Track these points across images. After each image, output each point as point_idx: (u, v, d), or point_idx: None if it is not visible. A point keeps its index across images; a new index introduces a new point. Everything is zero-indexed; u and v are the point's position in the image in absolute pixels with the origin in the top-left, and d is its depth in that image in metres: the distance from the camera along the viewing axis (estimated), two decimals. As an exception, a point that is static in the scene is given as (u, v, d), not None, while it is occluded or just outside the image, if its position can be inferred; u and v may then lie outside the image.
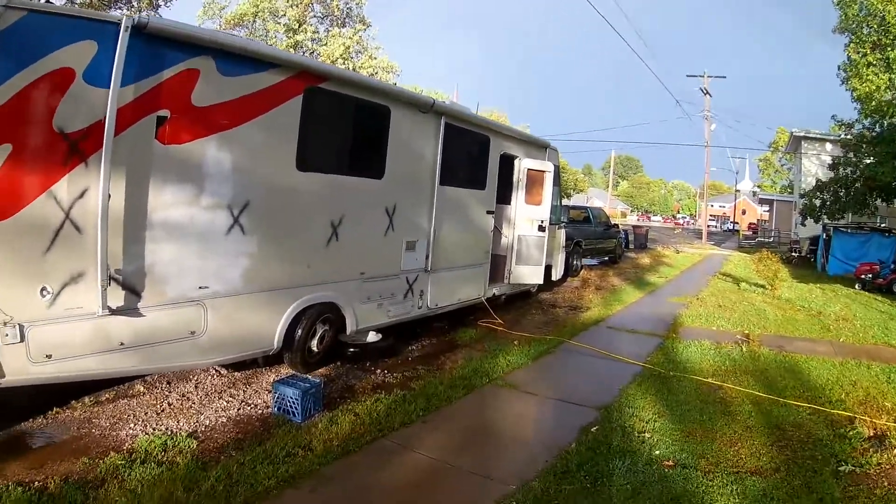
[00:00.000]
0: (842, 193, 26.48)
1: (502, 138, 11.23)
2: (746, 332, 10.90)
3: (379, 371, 7.72)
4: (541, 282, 12.45)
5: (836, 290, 18.32)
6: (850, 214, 27.92)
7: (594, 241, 21.16)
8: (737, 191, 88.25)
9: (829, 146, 38.38)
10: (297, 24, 33.38)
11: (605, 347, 9.13)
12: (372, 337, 8.26)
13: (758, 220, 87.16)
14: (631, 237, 33.04)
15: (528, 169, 11.87)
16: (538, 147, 12.86)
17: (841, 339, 10.78)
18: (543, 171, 12.06)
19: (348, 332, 7.78)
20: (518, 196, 11.88)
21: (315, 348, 7.40)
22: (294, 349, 7.08)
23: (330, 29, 34.52)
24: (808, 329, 11.59)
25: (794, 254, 29.43)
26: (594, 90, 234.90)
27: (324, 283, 7.29)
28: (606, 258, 23.01)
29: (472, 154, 10.45)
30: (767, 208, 75.66)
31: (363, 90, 7.69)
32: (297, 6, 33.34)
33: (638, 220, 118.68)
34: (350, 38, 33.47)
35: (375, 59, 34.82)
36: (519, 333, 9.97)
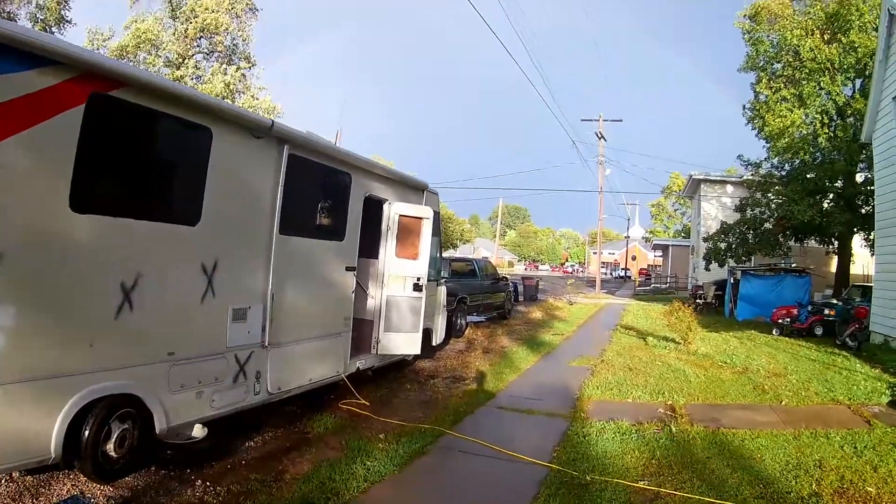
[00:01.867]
0: (750, 235, 26.97)
1: (368, 177, 9.92)
2: (669, 402, 9.92)
3: (200, 482, 6.07)
4: (417, 352, 10.99)
5: (753, 337, 18.33)
6: (760, 256, 28.62)
7: (481, 297, 20.17)
8: (627, 237, 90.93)
9: (729, 188, 39.91)
10: (181, 59, 32.88)
11: (496, 440, 7.66)
12: (198, 431, 6.66)
13: (648, 265, 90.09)
14: (521, 289, 32.37)
15: (401, 215, 10.58)
16: (414, 189, 11.62)
17: (783, 403, 10.08)
18: (420, 218, 10.80)
19: (157, 430, 6.09)
20: (388, 248, 10.52)
21: (114, 453, 5.74)
22: (83, 456, 5.51)
23: (213, 65, 34.32)
24: (740, 392, 10.85)
25: (698, 300, 29.61)
26: (485, 138, 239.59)
27: (115, 369, 5.66)
28: (495, 314, 22.02)
29: (326, 195, 9.08)
30: (661, 254, 78.18)
31: (174, 103, 6.16)
32: (182, 40, 33.04)
33: (526, 269, 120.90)
34: (232, 75, 33.24)
35: (258, 99, 34.57)
36: (387, 420, 8.46)
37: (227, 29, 33.82)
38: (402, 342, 10.58)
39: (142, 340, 5.93)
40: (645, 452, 7.32)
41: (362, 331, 10.43)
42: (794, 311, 20.84)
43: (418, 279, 10.58)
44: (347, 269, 9.36)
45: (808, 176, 26.14)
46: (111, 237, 5.60)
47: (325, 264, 8.87)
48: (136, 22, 32.02)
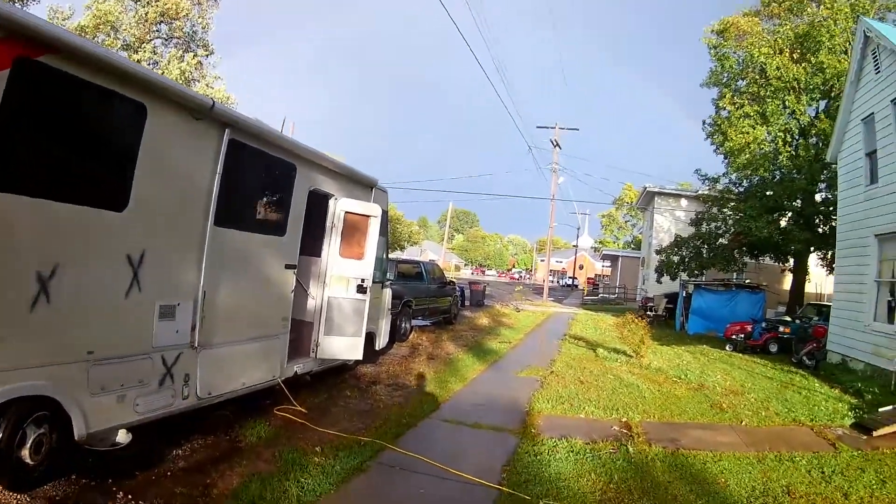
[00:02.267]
0: (704, 249, 27.20)
1: (314, 169, 9.51)
2: (624, 418, 9.70)
3: (122, 493, 5.59)
4: (359, 357, 10.54)
5: (707, 353, 18.44)
6: (714, 271, 29.23)
7: (427, 301, 19.86)
8: (576, 246, 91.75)
9: (683, 202, 40.47)
10: (139, 43, 32.41)
11: (441, 457, 7.25)
12: (122, 437, 6.16)
13: (596, 275, 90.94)
14: (468, 294, 32.14)
15: (347, 212, 10.21)
16: (362, 186, 11.26)
17: (743, 423, 9.96)
18: (367, 216, 10.44)
19: (76, 436, 5.60)
20: (331, 246, 10.13)
21: (29, 460, 5.27)
22: (-4, 463, 5.01)
23: (170, 51, 33.86)
24: (698, 410, 10.72)
25: (649, 313, 29.79)
26: (438, 140, 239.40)
27: (29, 368, 5.16)
28: (441, 318, 21.72)
29: (268, 186, 8.68)
30: (609, 264, 79.02)
31: (107, 73, 5.64)
32: (142, 23, 32.61)
33: (473, 274, 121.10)
34: (189, 62, 33.01)
35: (212, 88, 34.13)
36: (325, 431, 8.05)
37: (186, 14, 33.47)
38: (344, 346, 10.18)
39: (59, 337, 5.43)
40: (602, 475, 7.03)
41: (301, 333, 10.04)
42: (749, 328, 21.03)
43: (363, 281, 10.20)
44: (287, 266, 8.94)
45: (768, 193, 26.51)
46: (26, 220, 5.09)
47: (263, 261, 8.44)
48: (97, 2, 31.56)
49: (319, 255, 10.21)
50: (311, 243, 10.05)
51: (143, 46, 32.34)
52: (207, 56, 35.07)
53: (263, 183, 8.57)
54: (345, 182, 10.53)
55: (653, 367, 14.88)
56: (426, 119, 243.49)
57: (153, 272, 6.33)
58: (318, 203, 9.84)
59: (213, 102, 7.03)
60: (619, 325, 17.19)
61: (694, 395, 11.97)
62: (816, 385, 13.74)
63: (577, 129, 48.54)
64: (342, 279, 10.11)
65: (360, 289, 10.18)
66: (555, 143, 45.01)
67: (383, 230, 11.79)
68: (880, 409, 10.78)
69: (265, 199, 8.63)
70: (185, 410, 7.12)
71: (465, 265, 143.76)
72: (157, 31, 33.91)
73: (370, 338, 11.86)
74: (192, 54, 33.75)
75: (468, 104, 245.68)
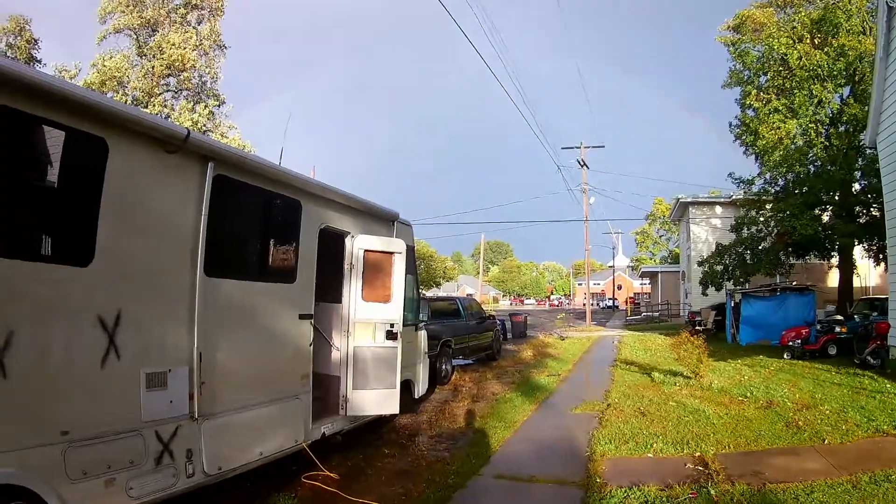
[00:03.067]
0: (747, 255, 26.12)
1: (322, 205, 8.51)
2: (697, 452, 8.43)
3: None
4: (395, 411, 9.42)
5: (765, 364, 17.50)
6: (760, 276, 28.33)
7: (467, 338, 18.76)
8: (612, 266, 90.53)
9: (718, 209, 39.40)
10: (148, 97, 32.30)
11: None
12: (122, 525, 5.13)
13: (635, 294, 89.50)
14: (509, 326, 31.01)
15: (367, 250, 9.19)
16: (381, 220, 10.25)
17: (825, 441, 8.82)
18: (390, 253, 9.41)
19: (55, 531, 4.62)
20: (353, 290, 9.11)
21: None
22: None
23: (180, 103, 33.87)
24: (773, 432, 9.50)
25: (697, 327, 28.54)
26: (466, 174, 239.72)
27: (-9, 453, 4.21)
28: (483, 355, 20.63)
29: (268, 227, 7.72)
30: (648, 281, 77.69)
31: (51, 103, 4.71)
32: (149, 77, 32.50)
33: (511, 304, 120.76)
34: (200, 113, 32.71)
35: (227, 137, 33.72)
36: (359, 501, 6.95)
37: (193, 65, 33.31)
38: (377, 400, 9.09)
39: (23, 417, 4.50)
40: (686, 530, 5.78)
41: (328, 389, 9.04)
42: (804, 332, 20.06)
43: (392, 325, 9.13)
44: (302, 317, 7.91)
45: (806, 189, 25.32)
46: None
47: (270, 313, 7.43)
48: (102, 59, 31.57)
49: (340, 301, 9.19)
50: (330, 288, 9.08)
51: (151, 101, 32.20)
52: (219, 106, 34.92)
53: (262, 223, 7.61)
54: (361, 218, 9.52)
55: (714, 387, 13.67)
56: (453, 155, 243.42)
57: (133, 335, 5.34)
58: (332, 243, 8.87)
59: (189, 132, 6.05)
60: (674, 346, 15.95)
61: (765, 414, 10.81)
62: (888, 386, 12.78)
63: (603, 146, 47.51)
64: (368, 326, 9.05)
65: (390, 335, 9.10)
66: (582, 163, 44.00)
67: (410, 267, 10.80)
68: None
69: (266, 242, 7.66)
70: (193, 489, 6.07)
71: (503, 296, 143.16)
72: (166, 84, 33.80)
73: (407, 386, 10.82)
74: (202, 104, 33.48)
75: (492, 135, 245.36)
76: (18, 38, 32.09)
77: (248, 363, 6.95)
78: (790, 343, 19.82)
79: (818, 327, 20.26)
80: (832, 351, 19.19)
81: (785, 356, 19.23)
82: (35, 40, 32.70)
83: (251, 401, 6.98)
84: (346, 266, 9.11)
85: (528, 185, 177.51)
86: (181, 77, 33.37)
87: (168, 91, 34.03)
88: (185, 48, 32.42)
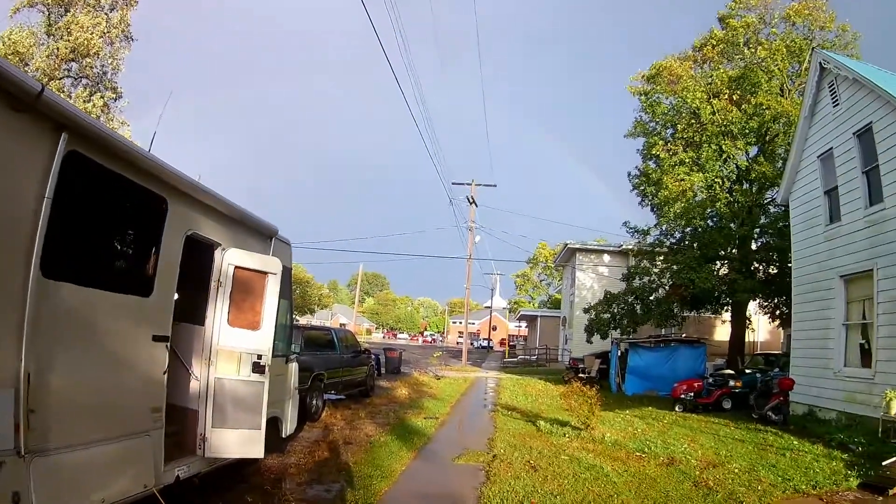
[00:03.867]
0: (637, 305, 26.23)
1: (193, 207, 7.33)
2: (605, 520, 7.66)
3: None
4: (259, 455, 8.16)
5: (657, 416, 17.38)
6: (649, 327, 28.97)
7: (341, 372, 17.64)
8: (489, 307, 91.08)
9: (606, 258, 39.98)
10: (47, 79, 29.13)
11: None
12: None
13: (510, 336, 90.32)
14: (383, 360, 29.91)
15: (238, 267, 8.02)
16: (258, 235, 9.12)
17: None
18: (264, 273, 8.27)
19: None
20: (218, 312, 7.90)
21: None
22: None
23: (77, 89, 31.26)
24: (683, 493, 8.99)
25: (581, 374, 28.38)
26: (348, 201, 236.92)
27: None
28: (356, 391, 19.43)
29: (126, 224, 6.50)
30: (526, 324, 78.36)
31: None
32: (52, 58, 30.07)
33: (384, 337, 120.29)
34: (94, 103, 30.27)
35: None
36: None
37: (97, 53, 31.06)
38: (239, 441, 7.86)
39: None
40: None
41: (184, 424, 7.76)
42: (697, 385, 20.09)
43: (259, 357, 7.99)
44: (157, 338, 6.65)
45: (707, 242, 25.75)
46: None
47: (120, 330, 6.12)
48: (10, 32, 29.22)
49: (203, 323, 7.95)
50: (191, 307, 7.88)
51: (50, 83, 29.43)
52: (115, 99, 32.56)
53: (119, 220, 6.33)
54: (236, 228, 8.36)
55: (607, 440, 13.14)
56: (333, 178, 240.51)
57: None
58: (199, 254, 7.68)
59: (43, 87, 4.83)
60: (565, 395, 15.38)
61: (668, 472, 10.30)
62: (795, 442, 12.82)
63: (495, 186, 47.16)
64: (233, 355, 7.85)
65: (257, 367, 7.94)
66: (471, 201, 43.72)
67: (286, 291, 9.69)
68: (884, 463, 9.93)
69: (122, 243, 6.40)
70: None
71: (377, 328, 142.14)
72: (68, 68, 31.46)
73: (274, 423, 9.58)
74: (99, 95, 31.23)
75: (380, 165, 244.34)
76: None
77: (89, 390, 5.68)
78: (682, 396, 19.73)
79: (711, 381, 20.32)
80: (727, 405, 19.29)
81: (676, 409, 19.15)
82: None
83: (92, 436, 5.67)
84: (212, 283, 7.90)
85: (411, 219, 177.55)
86: (83, 63, 31.12)
87: (69, 77, 31.58)
88: (92, 33, 30.30)
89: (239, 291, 8.01)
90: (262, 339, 8.09)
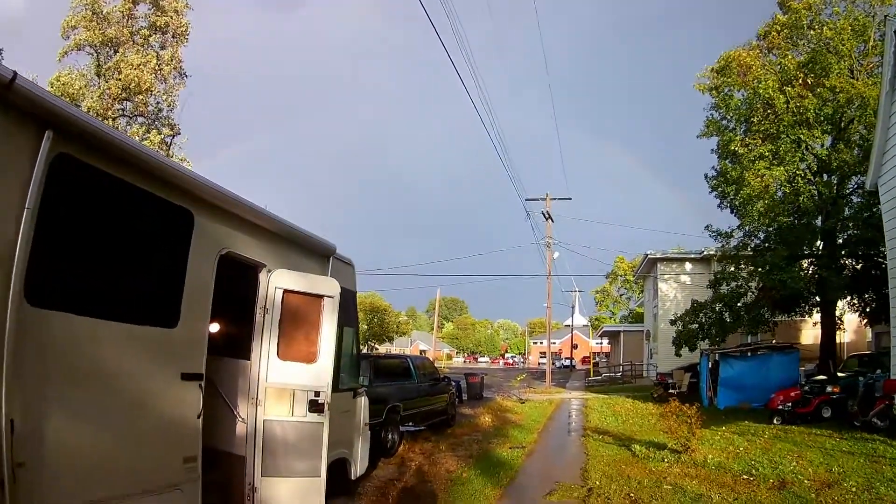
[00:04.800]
0: (726, 313, 25.30)
1: (226, 222, 6.29)
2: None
3: None
4: None
5: (756, 431, 16.09)
6: (738, 335, 27.94)
7: (418, 402, 16.38)
8: (570, 325, 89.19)
9: (688, 266, 38.47)
10: (102, 119, 29.06)
11: None
12: None
13: (592, 353, 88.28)
14: (464, 386, 28.67)
15: (286, 291, 6.97)
16: (311, 253, 8.06)
17: None
18: (320, 297, 7.20)
19: None
20: (264, 344, 6.84)
21: None
22: None
23: (132, 127, 31.37)
24: None
25: (671, 390, 26.72)
26: (423, 225, 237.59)
27: None
28: (437, 420, 18.20)
29: (138, 241, 5.34)
30: (608, 341, 76.50)
31: None
32: (105, 98, 30.17)
33: (465, 361, 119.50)
34: (151, 141, 29.91)
35: None
36: None
37: (149, 89, 31.07)
38: (295, 492, 6.76)
39: None
40: None
41: (229, 472, 6.74)
42: (794, 394, 18.77)
43: (317, 394, 6.89)
44: (187, 376, 5.57)
45: (793, 239, 24.00)
46: None
47: (136, 368, 5.04)
48: (58, 76, 29.44)
49: (248, 357, 6.92)
50: (237, 339, 6.91)
51: (103, 122, 29.64)
52: (173, 136, 32.49)
53: (128, 235, 5.20)
54: (282, 247, 7.32)
55: (710, 462, 11.72)
56: (409, 205, 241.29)
57: None
58: (238, 276, 6.67)
59: (15, 74, 3.85)
60: (663, 416, 13.91)
61: (783, 498, 9.01)
62: None
63: (570, 199, 45.65)
64: (284, 393, 6.79)
65: (315, 406, 6.84)
66: (547, 216, 42.13)
67: (350, 317, 8.66)
68: None
69: (132, 263, 5.26)
70: None
71: (457, 353, 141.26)
72: (122, 107, 31.61)
73: (341, 465, 8.46)
74: (156, 131, 31.19)
75: (454, 188, 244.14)
76: (-19, 46, 30.47)
77: (99, 439, 4.64)
78: (779, 406, 18.44)
79: (807, 388, 19.02)
80: (826, 413, 17.95)
81: (774, 421, 17.96)
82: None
83: (104, 492, 4.63)
84: (257, 310, 6.85)
85: (487, 240, 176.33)
86: (136, 100, 31.24)
87: (123, 116, 31.79)
88: (142, 70, 30.36)
89: (289, 319, 6.96)
90: (319, 374, 7.01)
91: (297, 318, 7.01)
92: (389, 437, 13.49)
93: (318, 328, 7.10)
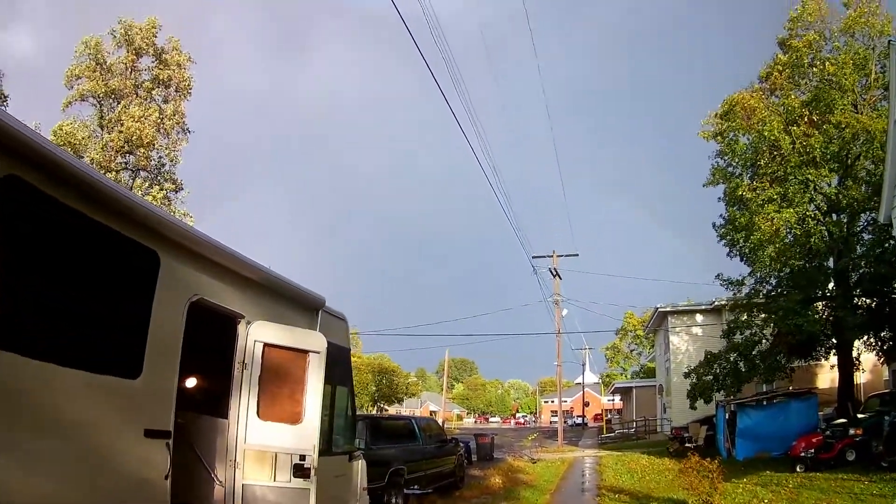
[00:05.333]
0: (741, 362, 24.61)
1: (198, 266, 5.76)
2: None
3: None
4: None
5: (779, 481, 15.49)
6: (754, 384, 27.04)
7: (423, 465, 15.65)
8: (581, 383, 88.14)
9: (699, 317, 37.97)
10: (104, 171, 28.98)
11: None
12: None
13: (604, 410, 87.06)
14: (473, 447, 27.75)
15: (267, 345, 6.40)
16: (296, 305, 7.52)
17: None
18: (305, 352, 6.64)
19: None
20: (244, 402, 6.26)
21: None
22: None
23: (136, 181, 31.22)
24: None
25: (689, 444, 25.82)
26: (430, 285, 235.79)
27: None
28: (445, 483, 17.37)
29: (97, 281, 4.78)
30: (620, 397, 75.59)
31: None
32: (106, 150, 30.09)
33: (475, 422, 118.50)
34: (154, 196, 29.67)
35: None
36: None
37: (150, 143, 30.92)
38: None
39: None
40: None
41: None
42: (816, 440, 18.29)
43: (302, 458, 6.25)
44: (151, 433, 4.99)
45: (805, 282, 23.51)
46: None
47: (93, 420, 4.49)
48: (61, 125, 29.22)
49: (225, 416, 6.33)
50: (215, 395, 6.35)
51: (105, 175, 29.37)
52: (176, 191, 32.29)
53: (86, 274, 4.67)
54: (266, 297, 6.80)
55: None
56: (409, 264, 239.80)
57: None
58: (214, 327, 6.13)
59: None
60: (683, 472, 13.05)
61: None
62: None
63: (577, 255, 44.91)
64: (264, 456, 6.20)
65: (300, 471, 6.19)
66: (554, 273, 41.46)
67: (343, 376, 8.06)
68: None
69: (89, 304, 4.69)
70: None
71: (468, 414, 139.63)
72: (125, 160, 31.49)
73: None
74: (158, 187, 31.07)
75: (457, 249, 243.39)
76: (-11, 92, 30.76)
77: (44, 499, 4.04)
78: (802, 454, 17.88)
79: (828, 432, 18.49)
80: (850, 457, 17.46)
81: (798, 469, 17.41)
82: (4, 96, 30.13)
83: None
84: (235, 365, 6.28)
85: (496, 299, 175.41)
86: (139, 154, 31.16)
87: (126, 169, 31.74)
88: (144, 123, 30.26)
89: (271, 375, 6.41)
90: (304, 435, 6.39)
91: (279, 375, 6.48)
92: (392, 501, 12.79)
93: (302, 386, 6.53)
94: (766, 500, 12.78)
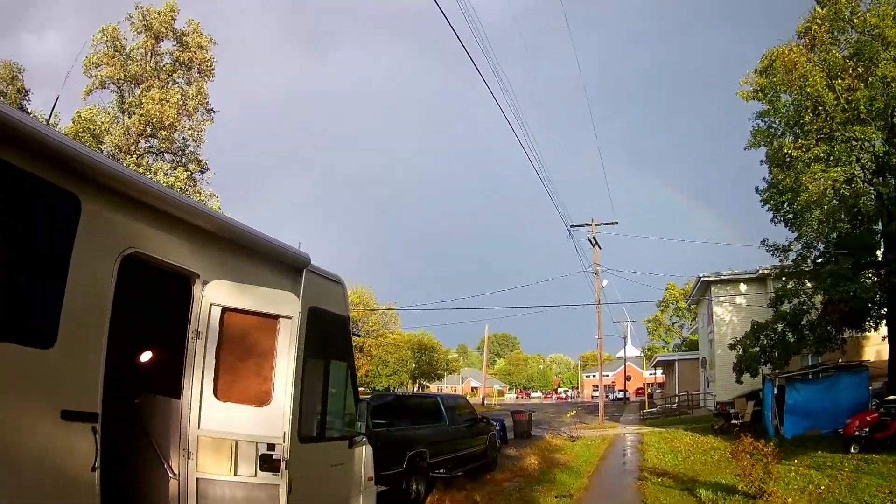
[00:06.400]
0: (789, 333, 23.21)
1: (132, 213, 4.68)
2: None
3: None
4: None
5: (833, 463, 14.46)
6: (803, 356, 25.93)
7: (450, 447, 14.55)
8: (623, 357, 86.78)
9: (743, 287, 36.56)
10: (126, 155, 29.33)
11: None
12: None
13: (646, 384, 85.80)
14: (509, 425, 26.54)
15: (227, 309, 5.33)
16: (274, 265, 6.36)
17: None
18: (275, 318, 5.53)
19: None
20: (198, 379, 5.20)
21: None
22: None
23: (157, 163, 31.21)
24: None
25: (735, 421, 24.49)
26: (469, 260, 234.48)
27: None
28: (477, 464, 16.26)
29: None
30: (661, 371, 74.03)
31: None
32: (127, 133, 30.12)
33: (517, 397, 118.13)
34: (177, 177, 29.74)
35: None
36: None
37: (173, 124, 30.68)
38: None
39: None
40: None
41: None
42: (870, 418, 17.02)
43: (271, 447, 5.17)
44: (69, 416, 4.00)
45: (855, 246, 22.01)
46: None
47: None
48: (81, 112, 29.19)
49: (179, 395, 5.27)
50: (161, 371, 5.33)
51: (125, 158, 29.24)
52: (201, 172, 32.23)
53: None
54: (228, 254, 5.66)
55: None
56: (451, 238, 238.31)
57: None
58: (169, 290, 5.11)
59: None
60: (735, 456, 11.77)
61: None
62: None
63: (616, 223, 43.47)
64: (223, 445, 5.11)
65: (267, 462, 5.11)
66: (594, 242, 40.10)
67: (340, 348, 6.98)
68: None
69: None
70: None
71: (509, 389, 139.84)
72: (148, 143, 31.50)
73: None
74: (182, 168, 30.99)
75: (491, 222, 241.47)
76: (10, 86, 30.68)
77: None
78: (856, 433, 16.59)
79: (882, 409, 17.29)
80: None
81: (852, 449, 16.17)
82: (26, 91, 31.38)
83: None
84: (189, 334, 5.21)
85: (532, 273, 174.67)
86: (161, 136, 30.91)
87: (150, 152, 31.68)
88: (165, 105, 29.90)
89: (231, 346, 5.34)
90: (274, 420, 5.28)
91: (242, 346, 5.41)
92: (413, 487, 11.72)
93: (271, 359, 5.42)
94: (822, 486, 11.59)
